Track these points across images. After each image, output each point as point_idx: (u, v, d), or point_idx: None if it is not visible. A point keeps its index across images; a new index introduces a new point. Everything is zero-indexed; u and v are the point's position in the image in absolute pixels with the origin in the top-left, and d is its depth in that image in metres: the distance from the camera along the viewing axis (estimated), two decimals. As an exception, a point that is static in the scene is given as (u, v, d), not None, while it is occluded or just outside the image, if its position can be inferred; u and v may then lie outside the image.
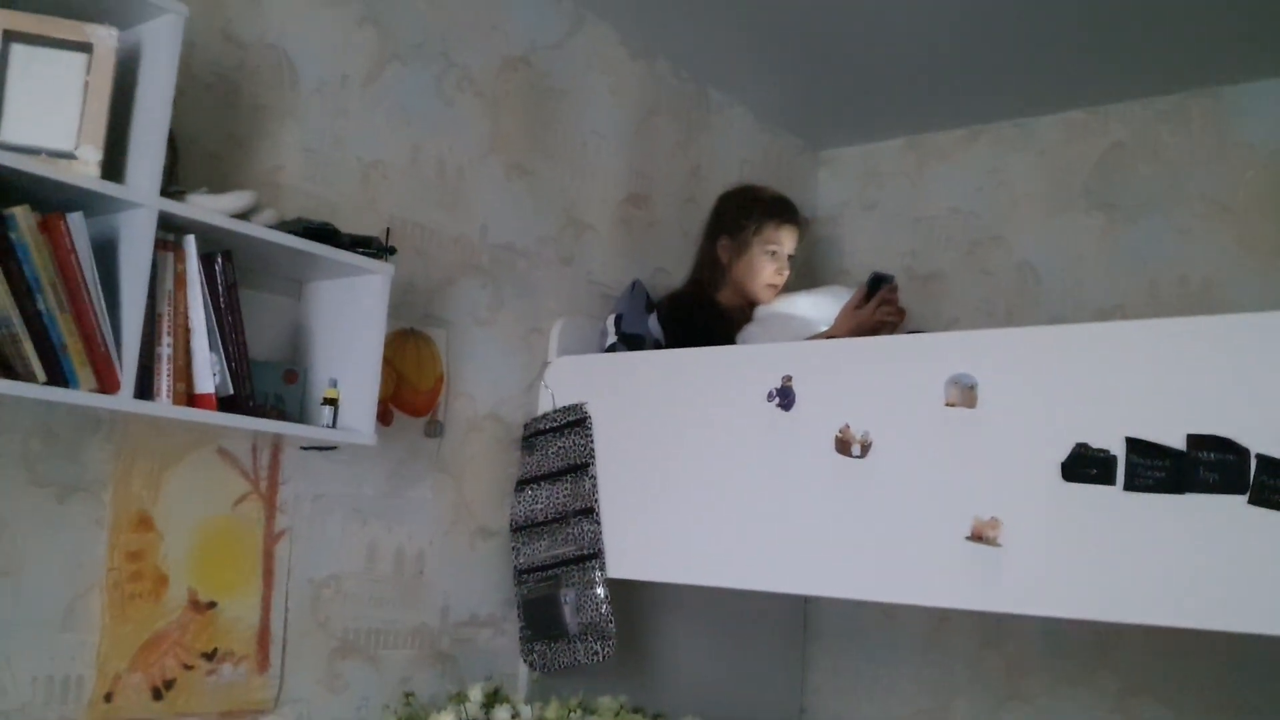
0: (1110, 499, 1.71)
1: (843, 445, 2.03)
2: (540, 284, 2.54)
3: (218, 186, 1.86)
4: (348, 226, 2.05)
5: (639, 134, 2.82)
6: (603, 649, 2.28)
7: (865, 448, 2.00)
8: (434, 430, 2.31)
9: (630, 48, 2.80)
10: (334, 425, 1.94)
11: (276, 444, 2.03)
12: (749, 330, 2.52)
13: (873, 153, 3.32)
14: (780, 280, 2.62)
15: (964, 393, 1.92)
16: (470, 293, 2.39)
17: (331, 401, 1.94)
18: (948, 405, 1.93)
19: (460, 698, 1.94)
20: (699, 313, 2.52)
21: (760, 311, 2.57)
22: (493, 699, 1.99)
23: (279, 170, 2.05)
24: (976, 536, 1.86)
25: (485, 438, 2.40)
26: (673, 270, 2.85)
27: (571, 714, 1.89)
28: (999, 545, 1.81)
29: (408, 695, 1.94)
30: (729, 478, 2.17)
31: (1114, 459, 1.72)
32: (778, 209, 2.65)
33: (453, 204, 2.36)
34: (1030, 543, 1.78)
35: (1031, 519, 1.79)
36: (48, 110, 1.59)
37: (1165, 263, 2.81)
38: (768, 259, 2.61)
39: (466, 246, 2.38)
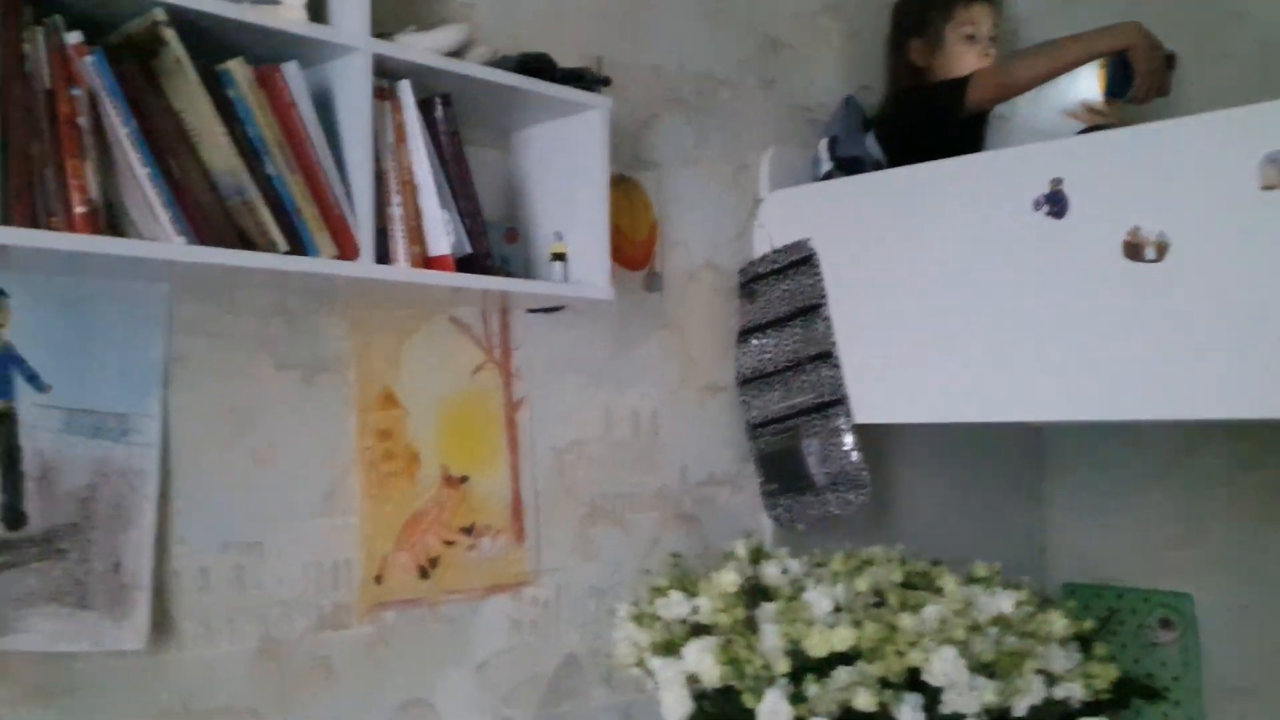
0: None
1: (1133, 250, 1.79)
2: (743, 114, 2.31)
3: (409, 24, 1.68)
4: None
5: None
6: (855, 498, 2.14)
7: (1161, 250, 1.76)
8: (653, 283, 2.15)
9: None
10: (566, 281, 1.80)
11: (505, 309, 1.90)
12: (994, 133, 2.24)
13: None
14: (987, 64, 2.33)
15: (1285, 171, 1.65)
16: (674, 130, 2.19)
17: (560, 256, 1.79)
18: (1265, 188, 1.66)
19: (729, 555, 1.82)
20: (927, 115, 2.25)
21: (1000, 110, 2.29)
22: (757, 555, 1.86)
23: (471, 6, 1.86)
24: (1310, 336, 1.62)
25: (703, 288, 2.24)
26: (878, 87, 2.58)
27: (850, 565, 1.75)
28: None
29: (674, 556, 1.83)
30: (989, 301, 1.95)
31: None
32: None
33: (645, 32, 2.14)
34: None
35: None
36: (244, -47, 1.44)
37: None
38: (966, 45, 2.31)
39: (665, 79, 2.17)
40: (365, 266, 1.49)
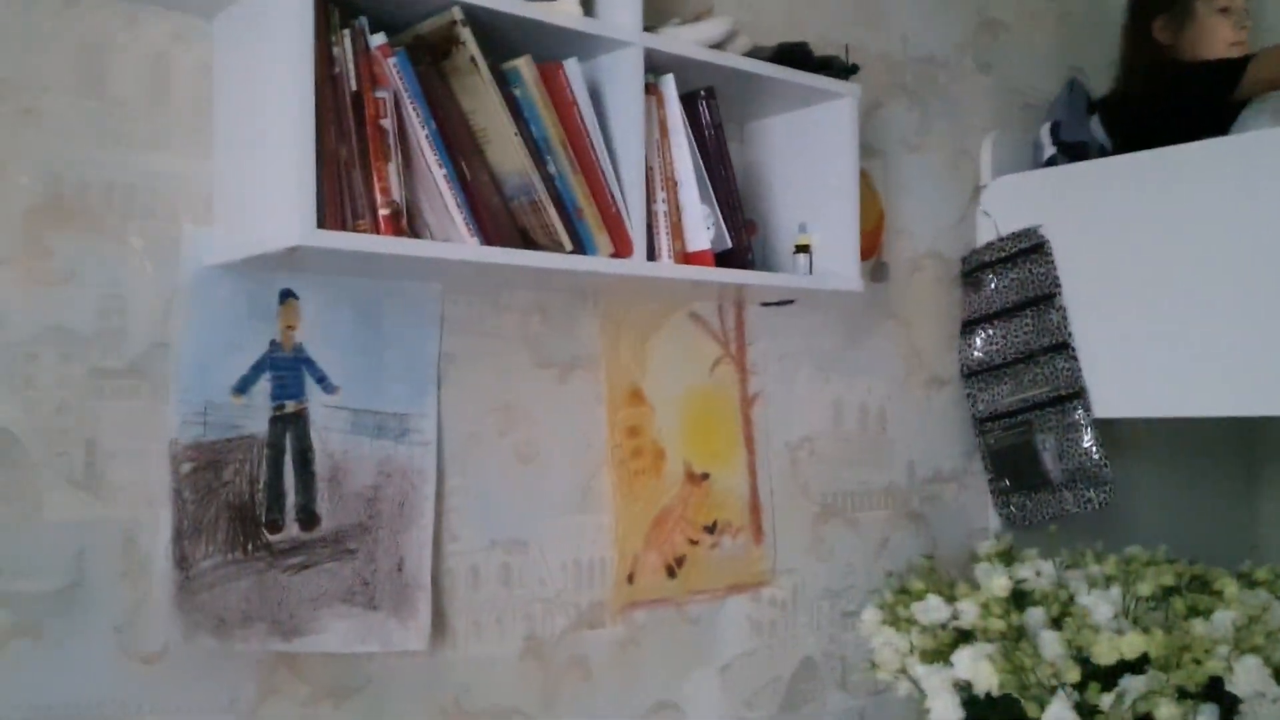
0: None
1: None
2: (961, 98, 2.23)
3: (660, 18, 1.65)
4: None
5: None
6: (1098, 496, 2.05)
7: None
8: (880, 273, 2.09)
9: None
10: (811, 274, 1.75)
11: (739, 303, 1.87)
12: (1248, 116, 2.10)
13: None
14: (1244, 38, 2.20)
15: None
16: (898, 115, 2.12)
17: (804, 249, 1.75)
18: None
19: (979, 558, 1.76)
20: (1188, 97, 2.12)
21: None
22: (1008, 558, 1.80)
23: (712, -4, 1.83)
24: None
25: (927, 277, 2.17)
26: (1092, 72, 2.47)
27: (1122, 569, 1.67)
28: None
29: (927, 559, 1.78)
30: (1234, 292, 1.84)
31: None
32: None
33: (873, 15, 2.08)
34: None
35: None
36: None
37: None
38: (1221, 18, 2.16)
39: (890, 63, 2.10)
40: (639, 264, 1.47)
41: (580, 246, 1.42)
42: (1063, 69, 2.42)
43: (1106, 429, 2.05)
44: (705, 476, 1.81)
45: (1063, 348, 2.07)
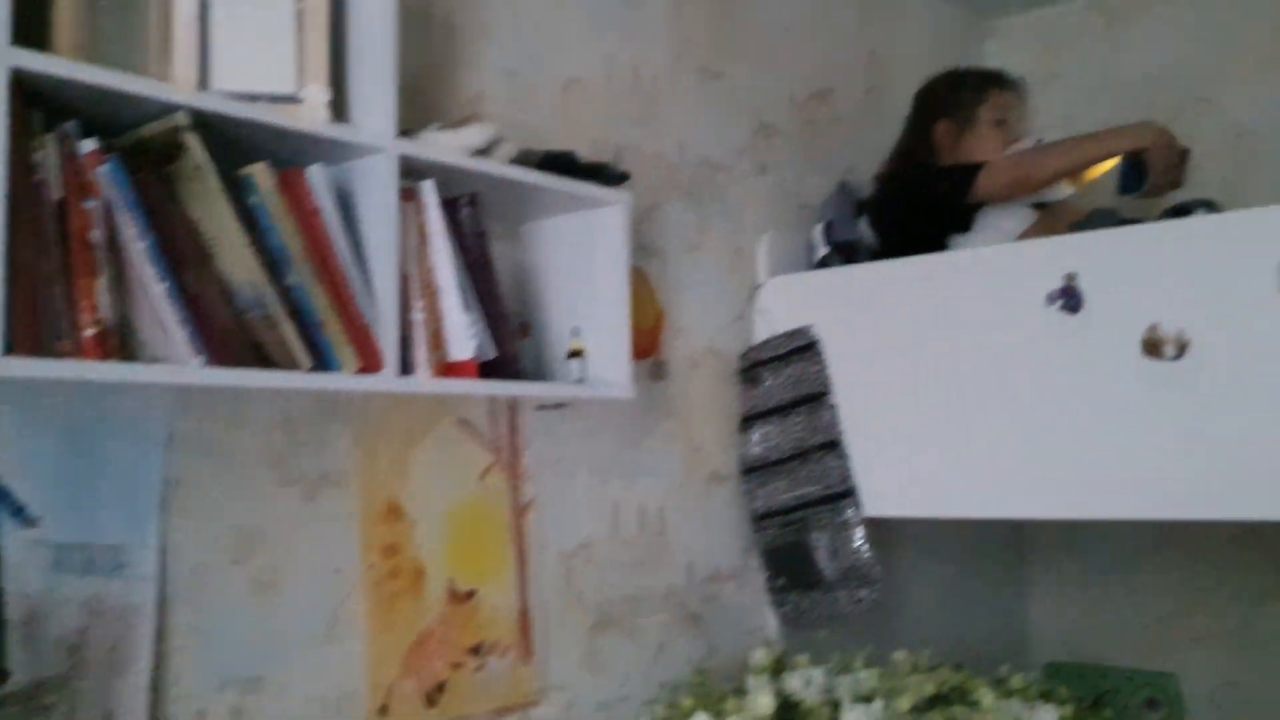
0: None
1: (1152, 347, 1.78)
2: (739, 199, 2.26)
3: (422, 121, 1.59)
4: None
5: (819, 20, 2.51)
6: (866, 595, 2.07)
7: (1181, 348, 1.75)
8: (659, 372, 2.07)
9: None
10: (584, 380, 1.71)
11: (513, 407, 1.80)
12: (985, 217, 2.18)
13: (1048, 18, 2.99)
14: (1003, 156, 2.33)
15: (1308, 277, 1.65)
16: (677, 216, 2.12)
17: (578, 354, 1.71)
18: (1284, 293, 1.67)
19: (753, 670, 1.74)
20: (929, 197, 2.21)
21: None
22: (779, 667, 1.78)
23: (481, 97, 1.78)
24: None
25: (706, 374, 2.17)
26: (863, 171, 2.57)
27: (886, 684, 1.68)
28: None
29: (699, 674, 1.74)
30: (1001, 396, 1.93)
31: None
32: (996, 75, 2.35)
33: (651, 118, 2.08)
34: None
35: None
36: (260, 49, 1.33)
37: None
38: (995, 130, 2.27)
39: (668, 165, 2.11)
40: (389, 380, 1.38)
41: (322, 362, 1.32)
42: (834, 172, 2.50)
43: (878, 528, 2.09)
44: (471, 594, 1.72)
45: (834, 446, 2.10)
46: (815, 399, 2.13)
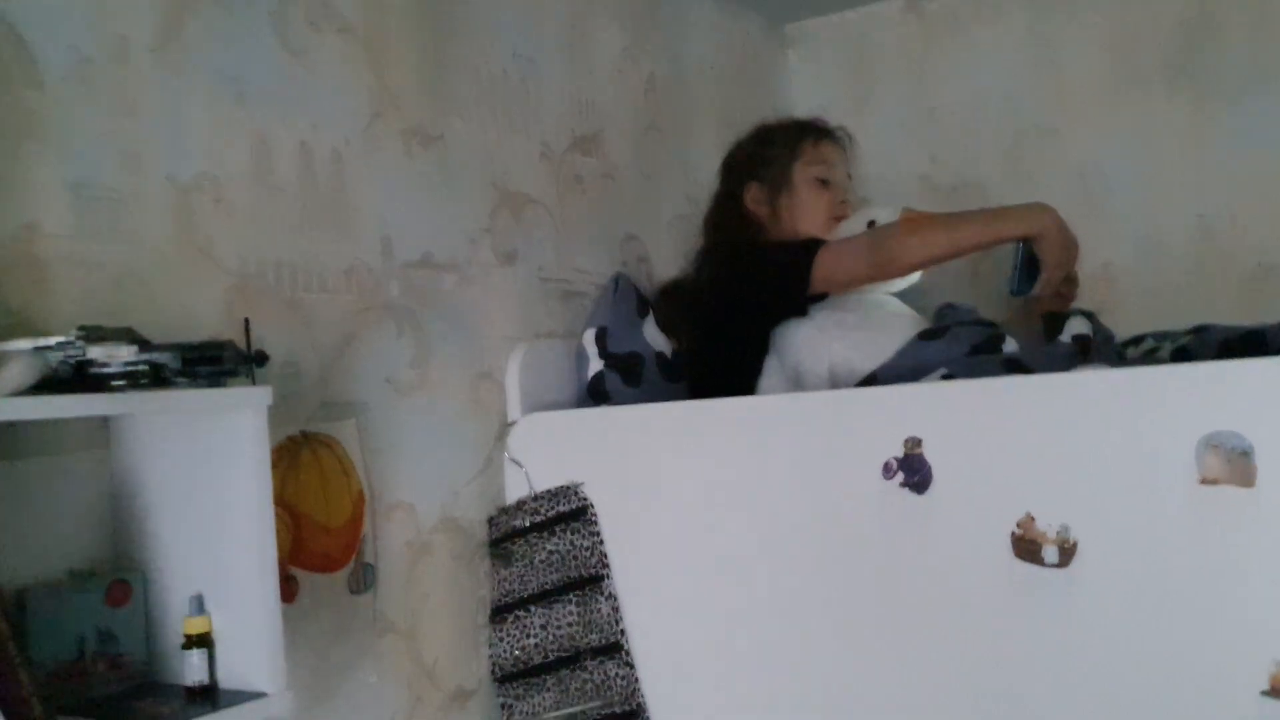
0: None
1: (1026, 548, 1.31)
2: (477, 304, 1.67)
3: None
4: (165, 305, 1.15)
5: (574, 47, 1.91)
6: None
7: (1067, 552, 1.29)
8: (362, 581, 1.47)
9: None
10: (211, 679, 1.10)
11: None
12: (799, 332, 1.66)
13: (857, 22, 2.49)
14: (846, 212, 1.83)
15: (1231, 462, 1.22)
16: (381, 348, 1.51)
17: (201, 641, 1.09)
18: (1203, 482, 1.23)
19: None
20: (741, 280, 1.69)
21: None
22: None
23: (31, 232, 1.10)
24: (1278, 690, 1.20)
25: (440, 559, 1.58)
26: (646, 237, 2.02)
27: None
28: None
29: None
30: (830, 595, 1.43)
31: None
32: (808, 125, 1.87)
33: (335, 217, 1.45)
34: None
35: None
36: None
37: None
38: (818, 190, 1.81)
39: (365, 278, 1.49)
40: None
41: None
42: (611, 240, 1.94)
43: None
44: None
45: (615, 649, 1.57)
46: (588, 584, 1.59)
